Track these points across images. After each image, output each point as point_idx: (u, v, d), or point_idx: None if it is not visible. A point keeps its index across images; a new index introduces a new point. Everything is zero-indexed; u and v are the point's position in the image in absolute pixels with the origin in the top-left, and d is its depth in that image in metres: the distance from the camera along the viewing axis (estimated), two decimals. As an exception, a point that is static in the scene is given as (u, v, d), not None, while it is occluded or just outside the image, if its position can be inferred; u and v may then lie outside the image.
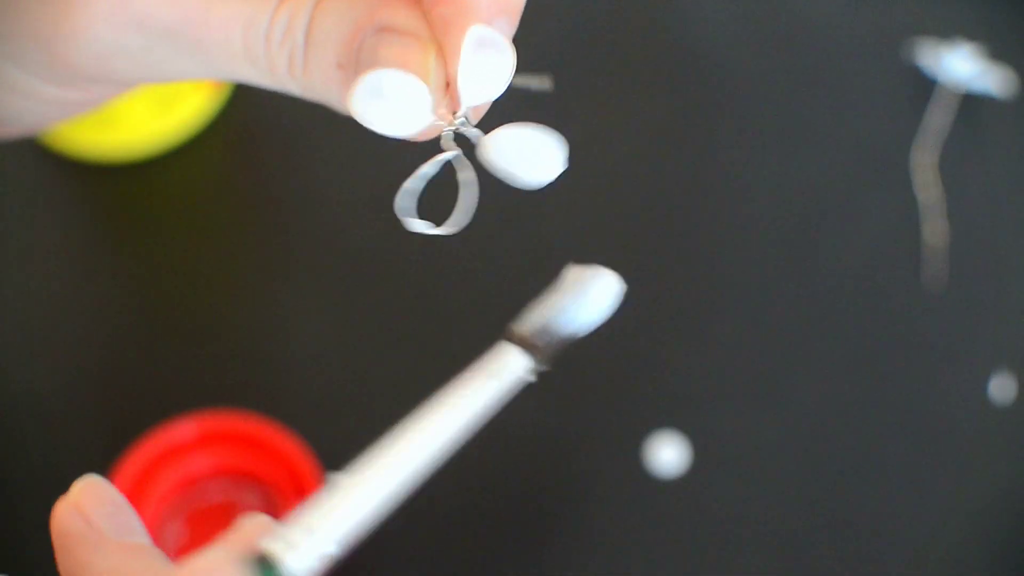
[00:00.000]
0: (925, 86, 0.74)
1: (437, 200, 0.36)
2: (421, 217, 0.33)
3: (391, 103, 0.33)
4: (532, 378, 0.33)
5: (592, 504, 0.65)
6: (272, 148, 0.74)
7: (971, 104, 0.73)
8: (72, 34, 0.34)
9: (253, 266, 0.71)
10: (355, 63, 0.34)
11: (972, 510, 0.65)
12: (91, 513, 0.34)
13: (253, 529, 0.32)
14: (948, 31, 0.74)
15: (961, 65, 0.73)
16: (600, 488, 0.65)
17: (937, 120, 0.73)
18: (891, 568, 0.64)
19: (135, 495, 0.62)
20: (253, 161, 0.74)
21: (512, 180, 0.33)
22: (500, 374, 0.34)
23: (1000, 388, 0.67)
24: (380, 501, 0.32)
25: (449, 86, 0.34)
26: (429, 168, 0.34)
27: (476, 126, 0.34)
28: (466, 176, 0.34)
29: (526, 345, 0.33)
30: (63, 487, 0.66)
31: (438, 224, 0.33)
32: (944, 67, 0.73)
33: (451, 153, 0.34)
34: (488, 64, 0.33)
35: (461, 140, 0.34)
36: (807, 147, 0.73)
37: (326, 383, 0.68)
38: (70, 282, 0.70)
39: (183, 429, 0.63)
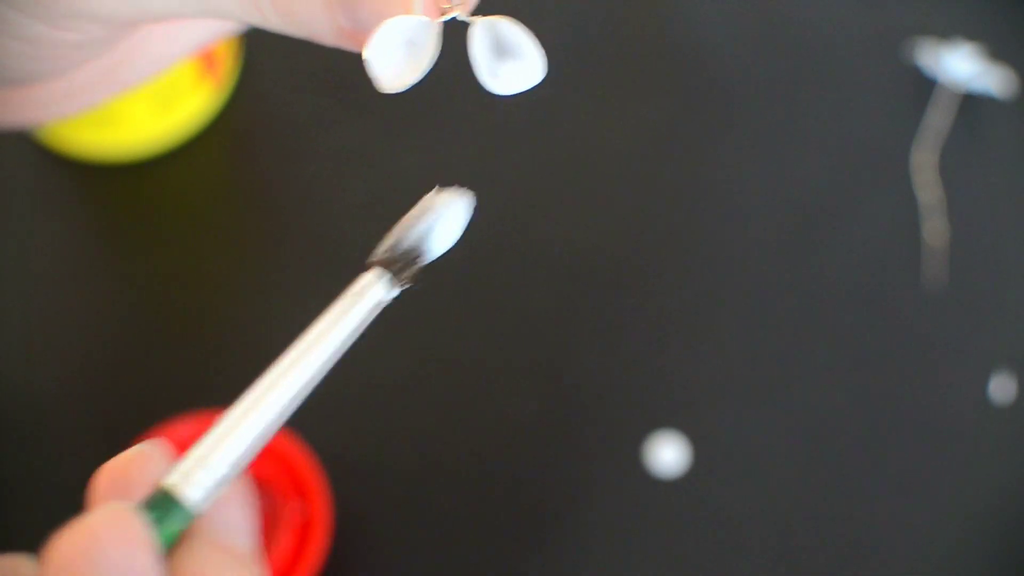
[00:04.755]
0: (925, 86, 0.74)
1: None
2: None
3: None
4: (392, 297, 0.36)
5: (592, 504, 0.65)
6: (272, 148, 0.74)
7: (971, 104, 0.73)
8: None
9: (252, 266, 0.71)
10: None
11: (972, 510, 0.65)
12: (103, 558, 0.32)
13: (139, 469, 0.34)
14: (948, 31, 0.74)
15: (961, 65, 0.73)
16: (600, 488, 0.65)
17: (937, 120, 0.73)
18: (891, 568, 0.64)
19: (135, 495, 0.62)
20: (253, 161, 0.74)
21: (487, 77, 0.33)
22: (362, 295, 0.37)
23: (1000, 388, 0.67)
24: (264, 426, 0.35)
25: None
26: (413, 21, 0.33)
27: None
28: (430, 40, 0.33)
29: (385, 266, 0.36)
30: (63, 487, 0.66)
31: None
32: (944, 67, 0.73)
33: (436, 20, 0.33)
34: None
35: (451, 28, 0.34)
36: (807, 147, 0.73)
37: (326, 383, 0.67)
38: (70, 282, 0.70)
39: (183, 429, 0.63)
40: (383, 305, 0.35)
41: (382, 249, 0.34)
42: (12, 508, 0.64)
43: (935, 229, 0.71)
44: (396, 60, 0.33)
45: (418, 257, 0.35)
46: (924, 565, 0.64)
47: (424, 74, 0.33)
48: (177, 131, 0.72)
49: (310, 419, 0.66)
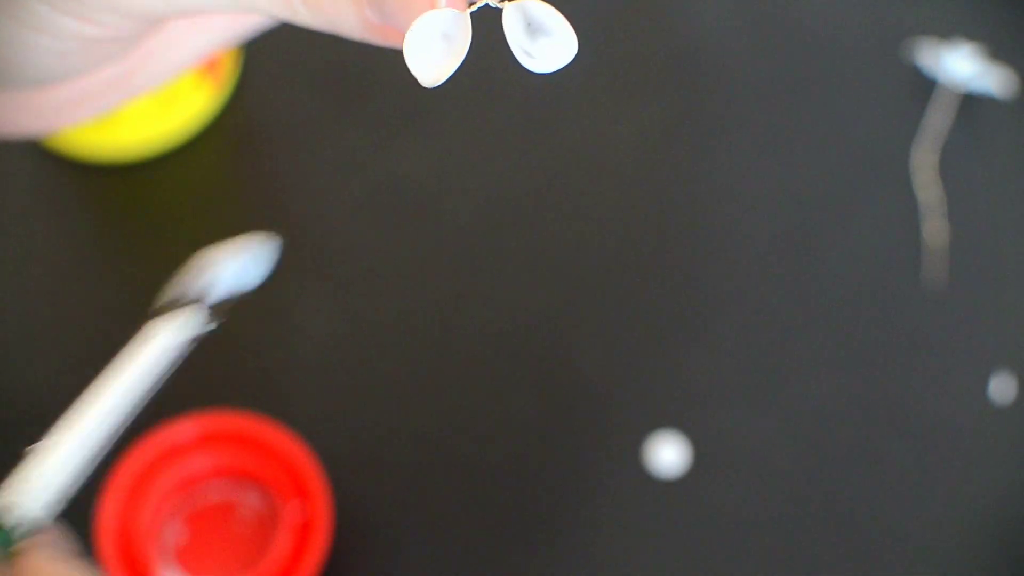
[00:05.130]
0: (925, 86, 0.74)
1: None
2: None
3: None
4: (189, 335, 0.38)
5: (592, 504, 0.65)
6: (272, 148, 0.74)
7: (971, 104, 0.73)
8: None
9: (253, 266, 0.71)
10: None
11: (972, 510, 0.65)
12: None
13: None
14: (948, 31, 0.74)
15: (961, 65, 0.73)
16: (600, 488, 0.65)
17: (937, 120, 0.73)
18: (891, 568, 0.64)
19: (135, 495, 0.62)
20: (253, 161, 0.74)
21: (523, 56, 0.33)
22: (150, 341, 0.40)
23: (1000, 388, 0.67)
24: (82, 456, 0.39)
25: None
26: (446, 13, 0.33)
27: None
28: (462, 31, 0.33)
29: (175, 309, 0.38)
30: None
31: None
32: (944, 67, 0.73)
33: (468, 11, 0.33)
34: None
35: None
36: (807, 147, 0.73)
37: (326, 383, 0.68)
38: (70, 282, 0.70)
39: (183, 429, 0.63)
40: (178, 346, 0.37)
41: (165, 300, 0.38)
42: (12, 508, 0.64)
43: (935, 229, 0.71)
44: (433, 55, 0.33)
45: (201, 302, 0.38)
46: (924, 565, 0.64)
47: (460, 64, 0.34)
48: (177, 131, 0.72)
49: (310, 419, 0.66)
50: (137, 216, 0.73)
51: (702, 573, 0.64)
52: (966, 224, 0.71)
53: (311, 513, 0.62)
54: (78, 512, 0.64)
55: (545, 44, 0.33)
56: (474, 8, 0.33)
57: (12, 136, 0.42)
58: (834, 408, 0.67)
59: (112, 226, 0.74)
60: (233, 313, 0.71)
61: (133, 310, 0.70)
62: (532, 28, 0.33)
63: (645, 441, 0.66)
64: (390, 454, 0.66)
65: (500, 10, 0.33)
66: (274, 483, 0.63)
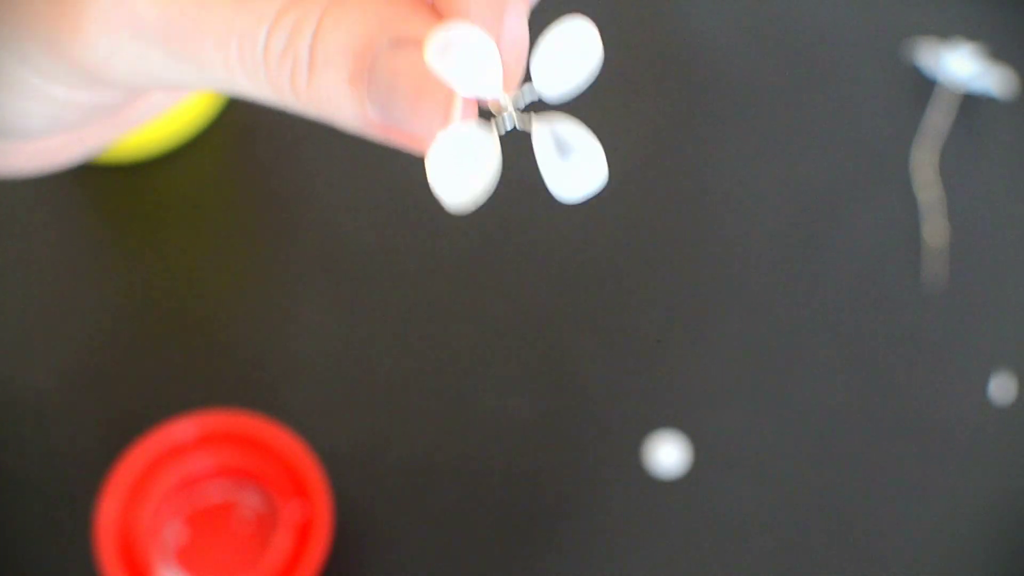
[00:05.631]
0: (925, 86, 0.74)
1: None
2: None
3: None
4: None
5: (592, 504, 0.65)
6: (272, 148, 0.74)
7: (971, 104, 0.73)
8: (71, 34, 0.34)
9: (253, 266, 0.71)
10: (368, 80, 0.32)
11: (972, 510, 0.65)
12: None
13: None
14: (948, 31, 0.74)
15: (961, 65, 0.73)
16: (600, 488, 0.65)
17: (937, 120, 0.73)
18: (891, 568, 0.64)
19: (135, 495, 0.62)
20: (253, 161, 0.74)
21: (554, 183, 0.32)
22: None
23: (1000, 388, 0.67)
24: None
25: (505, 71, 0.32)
26: (470, 127, 0.31)
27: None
28: (494, 145, 0.31)
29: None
30: (63, 487, 0.66)
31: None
32: (944, 67, 0.73)
33: (504, 118, 0.31)
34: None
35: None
36: (807, 147, 0.73)
37: (326, 383, 0.68)
38: (70, 282, 0.70)
39: (183, 429, 0.63)
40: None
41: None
42: (12, 508, 0.64)
43: (935, 229, 0.71)
44: (460, 175, 0.31)
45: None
46: (924, 565, 0.64)
47: (493, 183, 0.32)
48: (177, 131, 0.72)
49: (310, 419, 0.66)
50: (137, 216, 0.73)
51: (702, 573, 0.64)
52: (966, 224, 0.71)
53: (311, 513, 0.62)
54: (78, 512, 0.64)
55: (573, 168, 0.32)
56: (500, 119, 0.31)
57: (6, 176, 0.42)
58: (834, 408, 0.67)
59: (112, 226, 0.74)
60: (234, 313, 0.71)
61: (133, 310, 0.71)
62: (562, 149, 0.32)
63: (645, 441, 0.66)
64: (390, 454, 0.66)
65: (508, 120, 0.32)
66: (274, 483, 0.63)
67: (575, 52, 0.31)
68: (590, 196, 0.32)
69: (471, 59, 0.30)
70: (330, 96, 0.33)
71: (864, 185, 0.72)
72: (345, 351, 0.68)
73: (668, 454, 0.66)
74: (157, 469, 0.62)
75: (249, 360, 0.68)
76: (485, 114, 0.32)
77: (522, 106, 0.32)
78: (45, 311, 0.69)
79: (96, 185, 0.73)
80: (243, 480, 0.63)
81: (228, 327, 0.69)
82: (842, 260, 0.70)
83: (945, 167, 0.72)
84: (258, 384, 0.67)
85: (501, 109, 0.31)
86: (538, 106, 0.32)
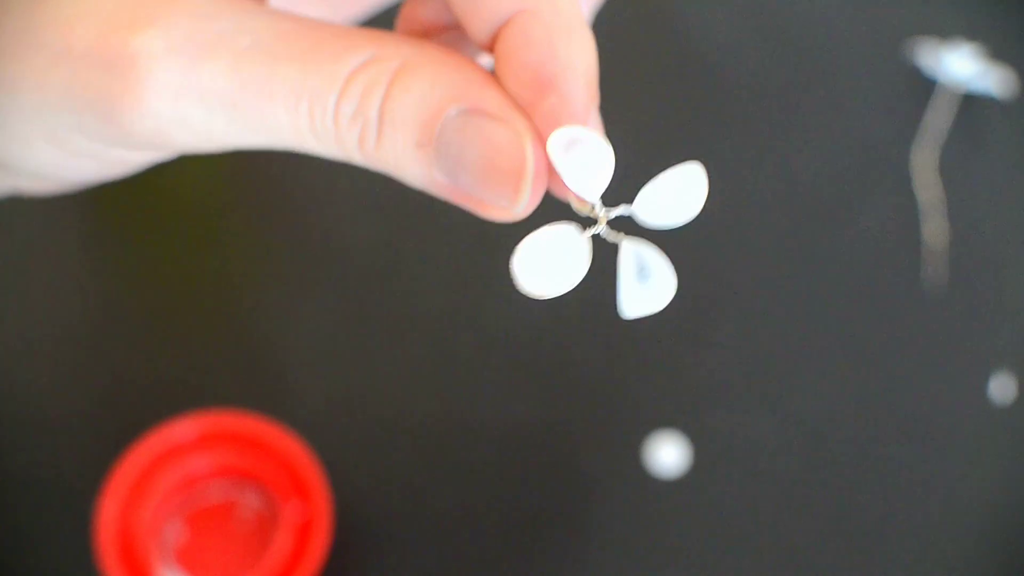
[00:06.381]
0: (925, 86, 0.74)
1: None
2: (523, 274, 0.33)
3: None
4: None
5: (592, 504, 0.65)
6: (272, 148, 0.74)
7: (971, 104, 0.73)
8: (132, 105, 0.33)
9: (253, 266, 0.71)
10: (436, 143, 0.32)
11: (972, 510, 0.65)
12: None
13: None
14: (948, 31, 0.74)
15: (961, 65, 0.73)
16: (600, 488, 0.65)
17: (937, 120, 0.73)
18: (891, 568, 0.64)
19: (135, 495, 0.62)
20: (253, 162, 0.74)
21: (627, 301, 0.33)
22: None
23: (1000, 388, 0.67)
24: None
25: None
26: (567, 234, 0.33)
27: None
28: (583, 246, 0.33)
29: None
30: (63, 487, 0.66)
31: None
32: (944, 67, 0.73)
33: (592, 229, 0.33)
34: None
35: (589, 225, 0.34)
36: (807, 147, 0.73)
37: (326, 383, 0.68)
38: (70, 282, 0.70)
39: (183, 429, 0.63)
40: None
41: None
42: (12, 508, 0.64)
43: (935, 229, 0.71)
44: (548, 271, 0.32)
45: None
46: (924, 565, 0.64)
47: (580, 279, 0.33)
48: (177, 131, 0.72)
49: (310, 419, 0.66)
50: (138, 216, 0.73)
51: (702, 573, 0.64)
52: (966, 224, 0.71)
53: (311, 513, 0.62)
54: (78, 512, 0.64)
55: (647, 289, 0.33)
56: (593, 231, 0.33)
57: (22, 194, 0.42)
58: (834, 408, 0.67)
59: (113, 226, 0.74)
60: (234, 313, 0.71)
61: (133, 310, 0.71)
62: (641, 272, 0.33)
63: (645, 441, 0.66)
64: (390, 454, 0.66)
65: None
66: (274, 483, 0.63)
67: (685, 195, 0.33)
68: (649, 315, 0.34)
69: (590, 161, 0.32)
70: (397, 158, 0.33)
71: (864, 185, 0.72)
72: (345, 351, 0.68)
73: (668, 454, 0.66)
74: (157, 469, 0.62)
75: (249, 360, 0.68)
76: (571, 213, 0.33)
77: (612, 216, 0.33)
78: (45, 311, 0.69)
79: (96, 185, 0.73)
80: (243, 480, 0.63)
81: (228, 327, 0.69)
82: (842, 260, 0.70)
83: (945, 167, 0.72)
84: (258, 384, 0.67)
85: (595, 215, 0.33)
86: (622, 222, 0.33)
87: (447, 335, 0.69)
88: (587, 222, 0.33)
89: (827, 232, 0.71)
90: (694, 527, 0.65)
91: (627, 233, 0.33)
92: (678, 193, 0.33)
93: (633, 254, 0.33)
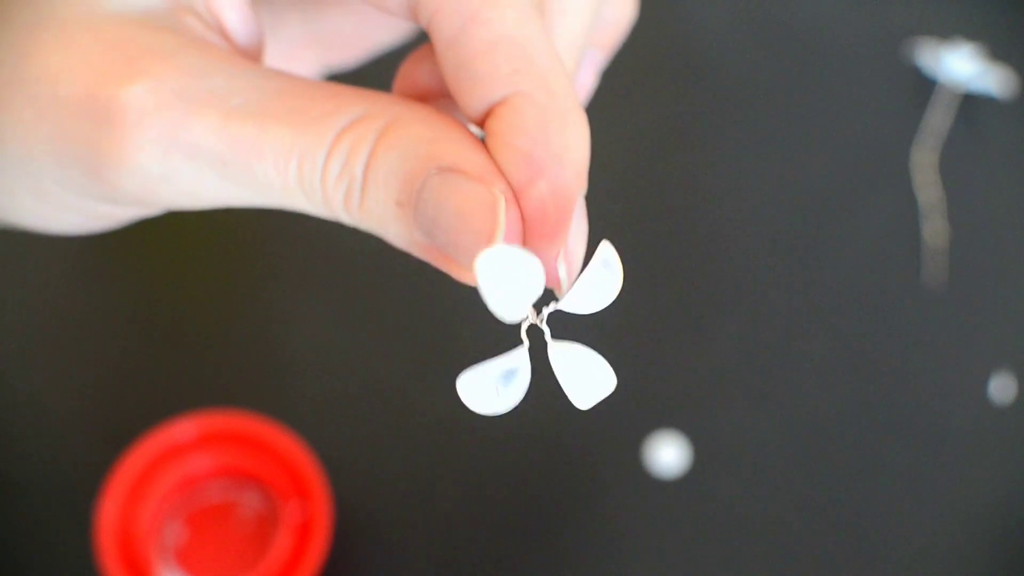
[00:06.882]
0: (925, 86, 0.74)
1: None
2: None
3: (509, 282, 0.33)
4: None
5: (592, 504, 0.65)
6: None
7: (971, 104, 0.73)
8: (120, 161, 0.33)
9: (253, 267, 0.71)
10: (415, 202, 0.33)
11: (972, 510, 0.65)
12: None
13: None
14: (948, 31, 0.74)
15: (961, 65, 0.73)
16: (600, 488, 0.65)
17: (937, 120, 0.73)
18: (891, 568, 0.64)
19: (135, 495, 0.62)
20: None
21: (571, 393, 0.36)
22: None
23: (1000, 388, 0.67)
24: None
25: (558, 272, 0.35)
26: (505, 360, 0.35)
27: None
28: (524, 365, 0.35)
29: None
30: (63, 487, 0.66)
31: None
32: (944, 67, 0.73)
33: (524, 347, 0.35)
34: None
35: (533, 332, 0.36)
36: (807, 147, 0.73)
37: (326, 383, 0.68)
38: (70, 284, 0.70)
39: (183, 429, 0.63)
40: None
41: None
42: (12, 508, 0.64)
43: (935, 229, 0.71)
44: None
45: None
46: (924, 565, 0.64)
47: (522, 396, 0.36)
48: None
49: (310, 419, 0.66)
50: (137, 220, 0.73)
51: (702, 573, 0.64)
52: (966, 224, 0.71)
53: (311, 513, 0.62)
54: (78, 512, 0.64)
55: (584, 383, 0.36)
56: (524, 333, 0.35)
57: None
58: (834, 408, 0.67)
59: (112, 229, 0.74)
60: (234, 313, 0.71)
61: (133, 311, 0.71)
62: (576, 368, 0.36)
63: (645, 441, 0.66)
64: (390, 454, 0.66)
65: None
66: (274, 483, 0.63)
67: (604, 280, 0.36)
68: (599, 402, 0.36)
69: (516, 279, 0.33)
70: (379, 216, 0.33)
71: (864, 185, 0.72)
72: (345, 352, 0.68)
73: (668, 454, 0.66)
74: (157, 469, 0.63)
75: (249, 360, 0.68)
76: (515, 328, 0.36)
77: (546, 315, 0.36)
78: (46, 312, 0.69)
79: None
80: (243, 480, 0.63)
81: (228, 327, 0.69)
82: (842, 260, 0.70)
83: (945, 167, 0.72)
84: (258, 384, 0.67)
85: (529, 322, 0.35)
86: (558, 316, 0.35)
87: (446, 334, 0.69)
88: (519, 328, 0.36)
89: (827, 232, 0.71)
90: (694, 527, 0.65)
91: (563, 326, 0.36)
92: (599, 281, 0.35)
93: (563, 355, 0.36)
